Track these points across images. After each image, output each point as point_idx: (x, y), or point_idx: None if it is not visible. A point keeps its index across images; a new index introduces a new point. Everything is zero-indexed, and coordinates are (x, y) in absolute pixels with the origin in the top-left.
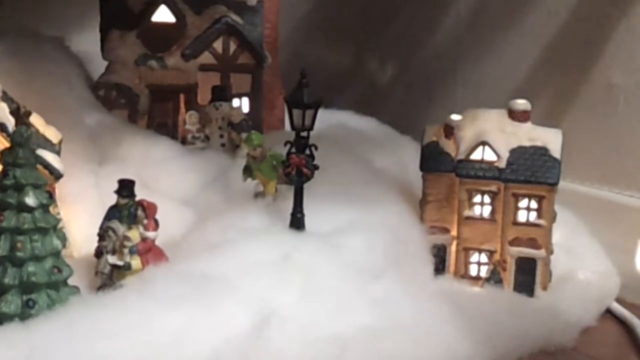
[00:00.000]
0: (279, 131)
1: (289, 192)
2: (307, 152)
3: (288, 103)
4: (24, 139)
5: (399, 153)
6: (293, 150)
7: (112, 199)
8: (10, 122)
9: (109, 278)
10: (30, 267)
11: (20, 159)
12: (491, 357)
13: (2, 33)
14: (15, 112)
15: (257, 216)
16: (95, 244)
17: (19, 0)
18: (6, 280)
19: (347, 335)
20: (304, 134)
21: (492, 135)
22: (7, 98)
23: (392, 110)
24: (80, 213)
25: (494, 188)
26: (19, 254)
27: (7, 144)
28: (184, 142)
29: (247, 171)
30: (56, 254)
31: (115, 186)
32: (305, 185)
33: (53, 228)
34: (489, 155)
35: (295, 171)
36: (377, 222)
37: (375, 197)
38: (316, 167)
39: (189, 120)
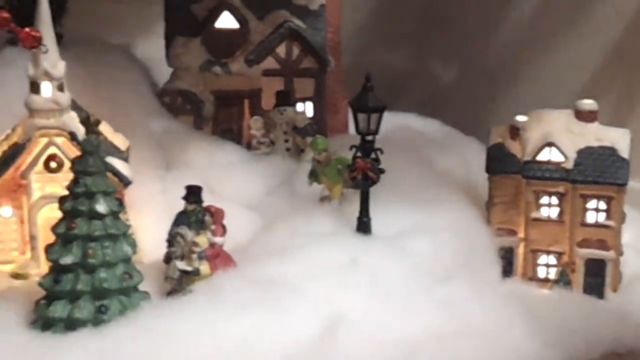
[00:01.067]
0: (343, 135)
1: (354, 196)
2: (373, 156)
3: (353, 107)
4: (94, 147)
5: (463, 155)
6: (359, 154)
7: (179, 205)
8: (80, 131)
9: (179, 283)
10: (102, 274)
11: (91, 167)
12: (561, 359)
13: (69, 42)
14: (84, 120)
15: (323, 220)
16: (164, 250)
17: (85, 8)
18: (79, 287)
19: (415, 338)
20: (370, 137)
21: (559, 135)
22: (76, 106)
23: (456, 111)
24: (148, 219)
25: (561, 189)
26: (91, 260)
27: (78, 153)
28: (249, 147)
29: (313, 175)
30: (127, 260)
31: (182, 192)
32: (371, 189)
33: (123, 234)
34: (555, 156)
35: (361, 175)
36: (444, 224)
37: (441, 200)
38: (382, 171)
39: (254, 125)
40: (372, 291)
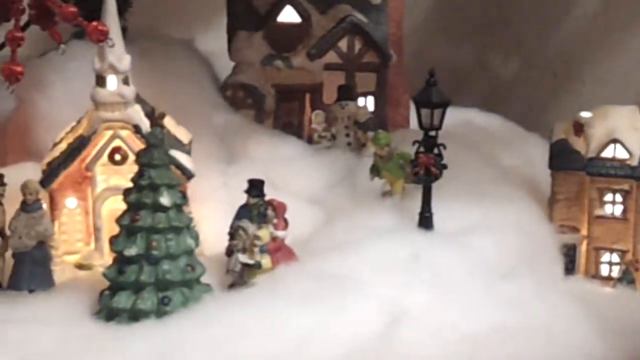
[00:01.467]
0: (404, 129)
1: (416, 191)
2: (436, 151)
3: (417, 102)
4: (158, 141)
5: (525, 151)
6: (421, 149)
7: (241, 198)
8: (145, 124)
9: (240, 276)
10: (165, 265)
11: (155, 160)
12: (625, 358)
13: (133, 36)
14: (150, 114)
15: (385, 215)
16: (225, 243)
17: (148, 2)
18: (142, 278)
19: (478, 335)
20: (433, 133)
21: (624, 132)
22: (140, 100)
23: (518, 107)
24: (210, 212)
25: (626, 186)
26: (155, 252)
27: (142, 145)
28: (309, 141)
29: (375, 170)
30: (190, 253)
31: (244, 185)
32: (433, 184)
33: (187, 227)
34: (620, 153)
35: (423, 170)
36: (506, 221)
37: (503, 196)
38: (444, 167)
39: (315, 119)
40: (435, 287)
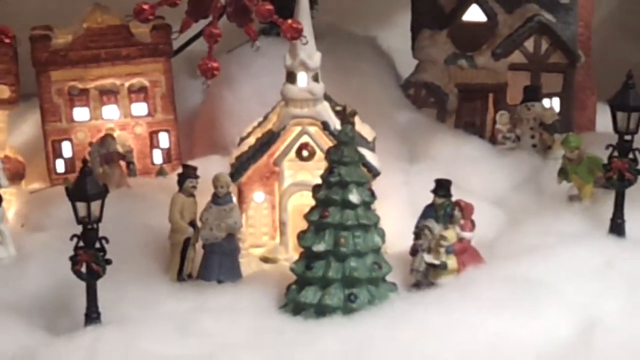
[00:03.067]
0: (590, 132)
1: (605, 196)
2: (631, 156)
3: (612, 105)
4: (349, 138)
5: None
6: (615, 153)
7: (422, 197)
8: (333, 121)
9: (424, 276)
10: (353, 263)
11: (346, 157)
12: None
13: (319, 34)
14: (341, 111)
15: (574, 220)
16: (406, 241)
17: (332, 1)
18: (330, 274)
19: None
20: (628, 137)
21: None
22: (328, 97)
23: None
24: (391, 210)
25: None
26: (342, 249)
27: (329, 142)
28: (493, 141)
29: (563, 173)
30: (377, 251)
31: (426, 184)
32: (626, 190)
33: (374, 225)
34: None
35: (617, 175)
36: None
37: None
38: (639, 172)
39: (500, 120)
40: (630, 296)
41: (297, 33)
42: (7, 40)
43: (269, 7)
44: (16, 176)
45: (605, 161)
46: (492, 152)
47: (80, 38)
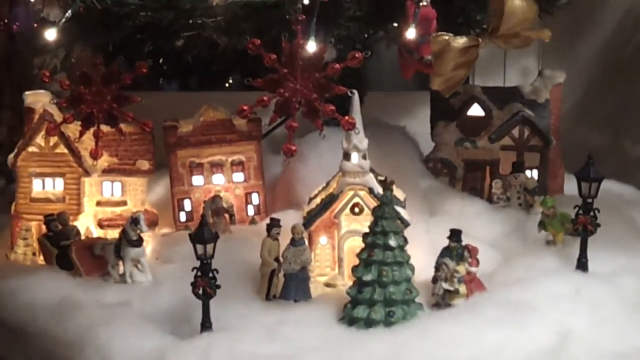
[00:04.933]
0: (560, 195)
1: (573, 242)
2: (591, 214)
3: (578, 177)
4: (389, 200)
5: None
6: (580, 212)
7: (439, 241)
8: (376, 187)
9: (442, 299)
10: (391, 289)
11: (387, 214)
12: None
13: (366, 125)
14: (383, 181)
15: (551, 259)
16: (428, 273)
17: (370, 99)
18: (375, 297)
19: (628, 353)
20: (589, 200)
21: None
22: (372, 170)
23: None
24: (417, 250)
25: None
26: (384, 279)
27: (374, 202)
28: (490, 201)
29: (542, 225)
30: (408, 280)
31: (442, 232)
32: (589, 238)
33: (407, 262)
34: None
35: (581, 227)
36: None
37: (639, 247)
38: (598, 225)
39: (494, 186)
40: (593, 315)
41: (351, 126)
42: (147, 129)
43: (332, 107)
44: (152, 224)
45: (573, 217)
46: (490, 209)
47: (198, 128)
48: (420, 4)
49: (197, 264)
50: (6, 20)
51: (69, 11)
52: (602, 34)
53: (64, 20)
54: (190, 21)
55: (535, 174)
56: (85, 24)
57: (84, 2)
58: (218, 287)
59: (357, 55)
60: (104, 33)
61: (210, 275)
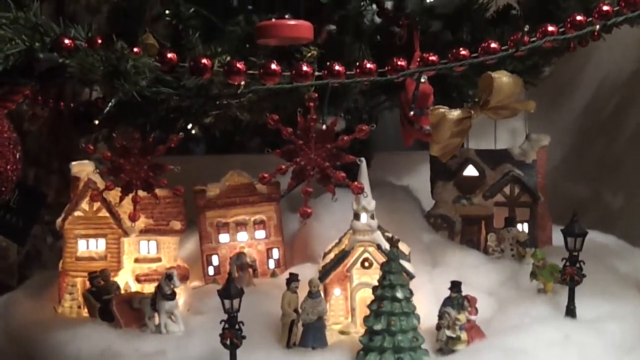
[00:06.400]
0: (549, 246)
1: (562, 290)
2: (578, 265)
3: (564, 233)
4: (395, 256)
5: (634, 261)
6: (568, 264)
7: (441, 291)
8: (384, 244)
9: (445, 344)
10: (399, 337)
11: (393, 269)
12: None
13: (373, 186)
14: (390, 239)
15: (542, 307)
16: (432, 321)
17: (381, 160)
18: (385, 344)
19: None
20: (575, 253)
21: None
22: (380, 227)
23: (626, 229)
24: (422, 301)
25: None
26: (393, 328)
27: (382, 258)
28: (486, 253)
29: (533, 275)
30: (414, 329)
31: (444, 283)
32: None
33: (412, 312)
34: None
35: (569, 277)
36: (627, 311)
37: (624, 294)
38: (584, 275)
39: (489, 239)
40: (580, 357)
41: (360, 190)
42: (179, 194)
43: (343, 174)
44: (184, 278)
45: (561, 267)
46: (486, 260)
47: (224, 191)
48: (419, 81)
49: (225, 316)
50: (53, 100)
51: (113, 100)
52: (581, 99)
53: (108, 108)
54: (217, 102)
55: (525, 227)
56: (126, 109)
57: (127, 94)
58: (244, 337)
59: (364, 128)
60: (143, 115)
61: (237, 327)
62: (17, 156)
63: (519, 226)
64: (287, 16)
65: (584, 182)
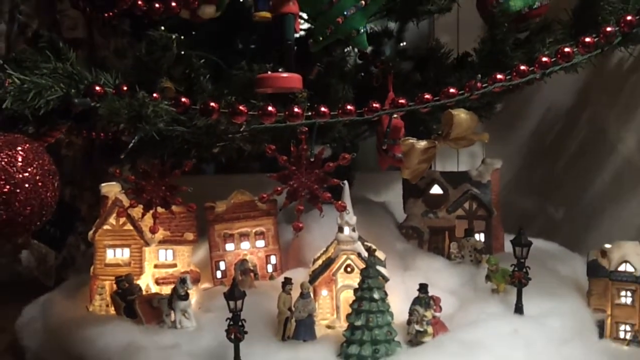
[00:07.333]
0: (501, 253)
1: (512, 290)
2: (524, 270)
3: (513, 243)
4: (372, 263)
5: (574, 265)
6: (516, 269)
7: (412, 292)
8: (363, 252)
9: (414, 337)
10: (376, 331)
11: (371, 274)
12: None
13: (354, 203)
14: (368, 248)
15: (495, 304)
16: (404, 317)
17: (362, 182)
18: (364, 338)
19: None
20: (522, 260)
21: (631, 256)
22: (360, 238)
23: (566, 237)
24: (395, 300)
25: (632, 287)
26: (371, 323)
27: (362, 265)
28: (449, 258)
29: (488, 278)
30: (389, 324)
31: (414, 284)
32: (523, 288)
33: (387, 310)
34: (629, 268)
35: (517, 280)
36: (566, 307)
37: (563, 293)
38: (530, 278)
39: (452, 247)
40: (528, 349)
41: (343, 208)
42: (192, 210)
43: (329, 194)
44: (195, 280)
45: (511, 271)
46: (449, 264)
47: (230, 207)
48: (392, 117)
49: (230, 314)
50: (86, 131)
51: (136, 137)
52: (529, 125)
53: (131, 145)
54: (223, 136)
55: (482, 237)
56: (147, 143)
57: (147, 134)
58: (246, 332)
59: (346, 156)
60: (161, 148)
61: (240, 324)
62: (56, 185)
63: (477, 236)
64: (280, 70)
65: (531, 196)
